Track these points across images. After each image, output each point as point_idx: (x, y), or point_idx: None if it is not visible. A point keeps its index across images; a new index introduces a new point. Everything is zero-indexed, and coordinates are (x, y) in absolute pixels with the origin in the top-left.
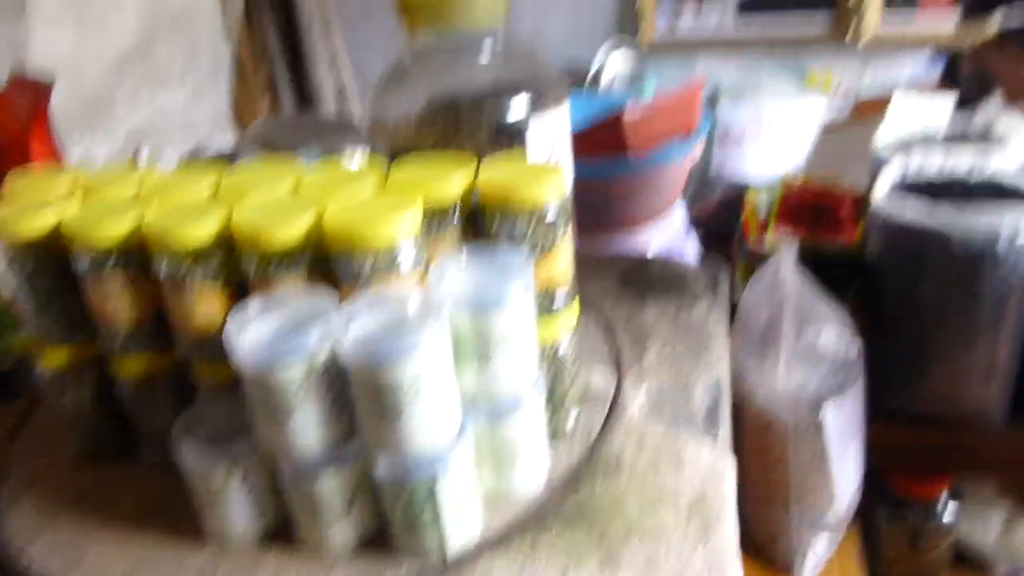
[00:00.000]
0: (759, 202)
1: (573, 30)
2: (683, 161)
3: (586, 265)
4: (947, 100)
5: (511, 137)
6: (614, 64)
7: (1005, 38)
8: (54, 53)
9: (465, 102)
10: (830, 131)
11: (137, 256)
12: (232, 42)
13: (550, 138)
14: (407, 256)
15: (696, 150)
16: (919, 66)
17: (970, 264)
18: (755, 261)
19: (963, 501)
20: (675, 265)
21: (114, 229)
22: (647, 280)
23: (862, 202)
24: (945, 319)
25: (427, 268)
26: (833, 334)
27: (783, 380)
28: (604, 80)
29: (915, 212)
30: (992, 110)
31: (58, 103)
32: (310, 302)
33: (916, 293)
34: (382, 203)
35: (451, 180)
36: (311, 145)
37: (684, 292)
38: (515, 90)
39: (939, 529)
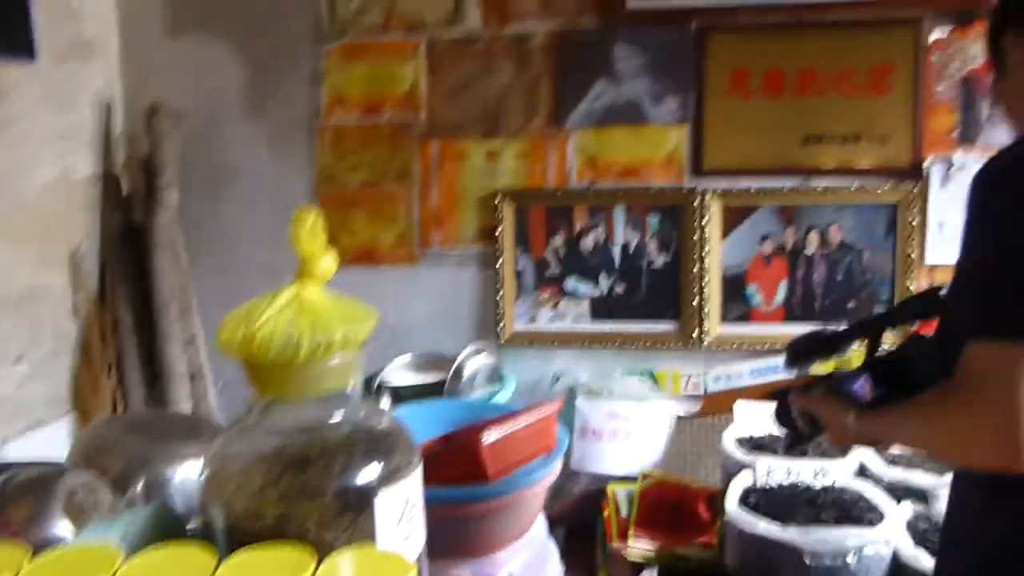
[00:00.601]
0: (619, 497)
1: (435, 323)
2: (542, 482)
3: None
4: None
5: (358, 502)
6: (475, 361)
7: (827, 389)
8: None
9: (313, 461)
10: (682, 426)
11: None
12: (80, 320)
13: (400, 506)
14: None
15: (554, 470)
16: (760, 366)
17: None
18: (618, 568)
19: None
20: None
21: None
22: None
23: (716, 498)
24: None
25: None
26: None
27: None
28: (465, 375)
29: (767, 526)
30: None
31: None
32: None
33: None
34: None
35: None
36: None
37: None
38: (366, 452)
39: None
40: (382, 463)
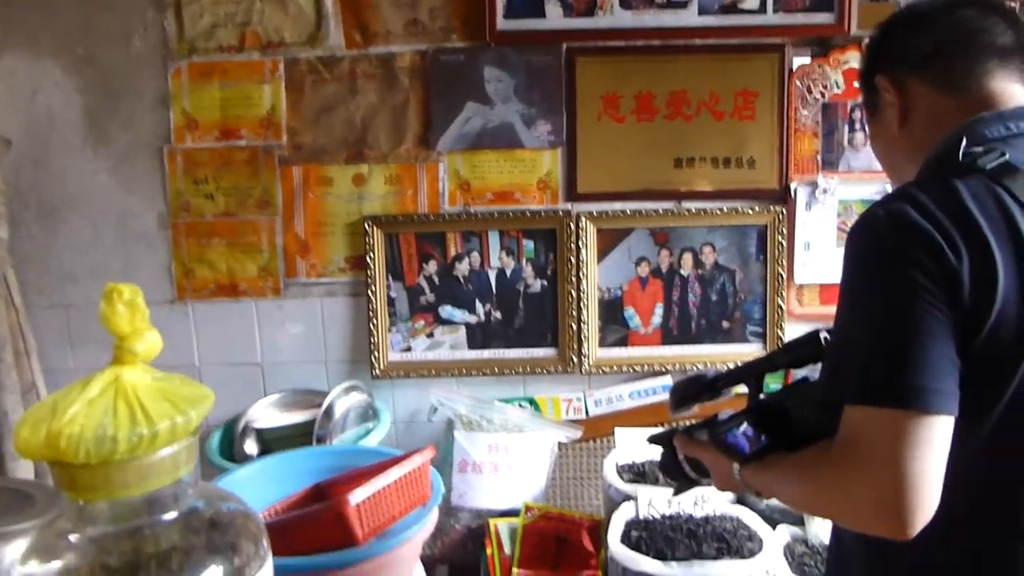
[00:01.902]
0: (502, 533)
1: (304, 357)
2: (416, 538)
3: None
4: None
5: None
6: (346, 400)
7: (710, 435)
8: None
9: (143, 570)
10: (564, 452)
11: None
12: None
13: None
14: None
15: (430, 523)
16: (639, 388)
17: None
18: None
19: None
20: None
21: None
22: None
23: (600, 528)
24: None
25: None
26: None
27: None
28: (337, 414)
29: (650, 563)
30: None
31: None
32: None
33: None
34: None
35: None
36: None
37: None
38: (206, 551)
39: None
40: (225, 562)
